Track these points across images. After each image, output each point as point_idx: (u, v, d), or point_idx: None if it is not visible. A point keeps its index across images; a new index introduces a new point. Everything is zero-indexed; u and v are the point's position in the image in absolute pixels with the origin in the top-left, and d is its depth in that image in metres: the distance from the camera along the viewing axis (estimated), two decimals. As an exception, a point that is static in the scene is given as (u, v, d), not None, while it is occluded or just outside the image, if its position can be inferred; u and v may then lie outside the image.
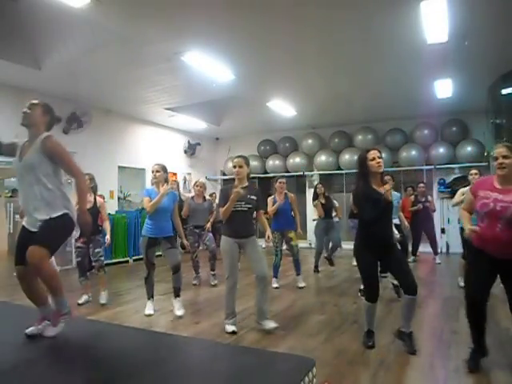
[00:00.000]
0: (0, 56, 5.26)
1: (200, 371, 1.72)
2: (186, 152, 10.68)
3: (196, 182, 5.97)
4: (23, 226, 2.56)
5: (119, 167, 8.69)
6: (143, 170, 9.33)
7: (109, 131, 8.40)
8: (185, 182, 10.57)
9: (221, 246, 3.66)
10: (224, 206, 3.49)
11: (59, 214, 2.50)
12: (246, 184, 3.63)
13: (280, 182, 5.55)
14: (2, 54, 5.24)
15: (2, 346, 2.21)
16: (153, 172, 4.18)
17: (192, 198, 5.83)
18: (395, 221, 4.67)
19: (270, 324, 3.54)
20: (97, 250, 4.65)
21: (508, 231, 2.49)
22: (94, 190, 4.73)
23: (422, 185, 7.34)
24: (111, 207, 7.99)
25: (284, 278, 6.10)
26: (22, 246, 2.45)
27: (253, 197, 3.61)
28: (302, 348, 3.17)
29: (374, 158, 3.03)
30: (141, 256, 8.30)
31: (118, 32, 4.84)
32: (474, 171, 4.75)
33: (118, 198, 8.81)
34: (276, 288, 5.38)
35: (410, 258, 7.30)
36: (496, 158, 2.57)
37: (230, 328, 3.53)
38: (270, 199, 5.50)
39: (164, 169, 4.22)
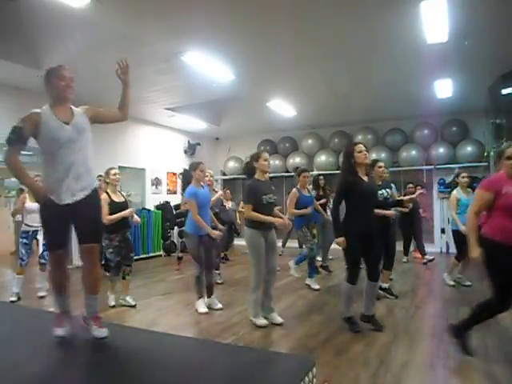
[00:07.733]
0: (0, 56, 5.26)
1: (200, 371, 1.72)
2: (185, 152, 10.66)
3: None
4: (52, 203, 2.27)
5: (119, 167, 8.67)
6: (143, 170, 9.31)
7: (109, 131, 8.35)
8: (185, 182, 10.58)
9: (249, 239, 3.72)
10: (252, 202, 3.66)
11: (95, 186, 2.48)
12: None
13: (304, 176, 5.40)
14: (2, 53, 5.23)
15: (1, 346, 2.21)
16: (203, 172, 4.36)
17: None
18: None
19: (278, 318, 3.78)
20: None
21: None
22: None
23: (410, 185, 7.31)
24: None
25: (284, 277, 6.10)
26: (62, 226, 2.30)
27: (273, 187, 3.88)
28: (302, 348, 3.18)
29: (360, 151, 3.43)
30: (142, 256, 8.25)
31: (117, 32, 4.84)
32: (464, 174, 5.22)
33: (118, 198, 8.79)
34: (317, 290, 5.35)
35: (404, 259, 7.31)
36: (509, 158, 2.76)
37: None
38: (294, 192, 5.32)
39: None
